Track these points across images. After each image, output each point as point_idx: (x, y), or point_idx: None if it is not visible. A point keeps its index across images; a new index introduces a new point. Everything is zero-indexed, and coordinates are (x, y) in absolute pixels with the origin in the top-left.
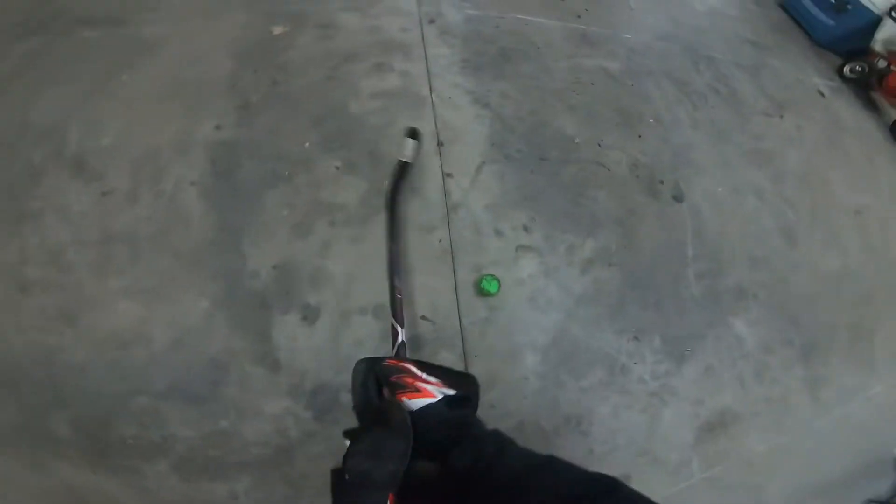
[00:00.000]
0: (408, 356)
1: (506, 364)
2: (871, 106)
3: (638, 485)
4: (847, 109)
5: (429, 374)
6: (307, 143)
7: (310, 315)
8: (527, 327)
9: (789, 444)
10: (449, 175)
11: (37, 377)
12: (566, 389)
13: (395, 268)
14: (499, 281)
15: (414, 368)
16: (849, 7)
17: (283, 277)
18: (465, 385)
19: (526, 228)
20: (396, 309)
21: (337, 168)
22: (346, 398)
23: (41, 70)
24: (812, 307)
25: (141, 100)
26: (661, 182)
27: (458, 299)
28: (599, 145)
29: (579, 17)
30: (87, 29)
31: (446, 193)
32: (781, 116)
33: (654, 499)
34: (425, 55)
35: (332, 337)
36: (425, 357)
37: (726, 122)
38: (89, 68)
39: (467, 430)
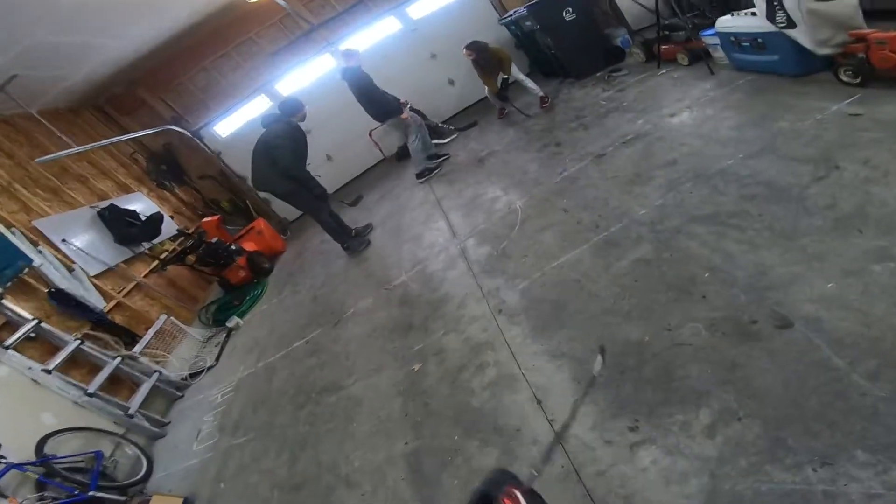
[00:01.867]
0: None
1: None
2: None
3: None
4: (886, 102)
5: None
6: (455, 437)
7: None
8: (671, 500)
9: None
10: (553, 420)
11: None
12: None
13: None
14: None
15: (522, 500)
16: (760, 41)
17: None
18: None
19: (632, 429)
20: None
21: (477, 445)
22: None
23: (317, 426)
24: None
25: (365, 436)
26: (754, 322)
27: (592, 499)
28: (668, 330)
29: (597, 227)
30: (327, 396)
31: (555, 433)
32: (837, 167)
33: None
34: (505, 342)
35: None
36: None
37: (784, 217)
38: (338, 422)
39: None
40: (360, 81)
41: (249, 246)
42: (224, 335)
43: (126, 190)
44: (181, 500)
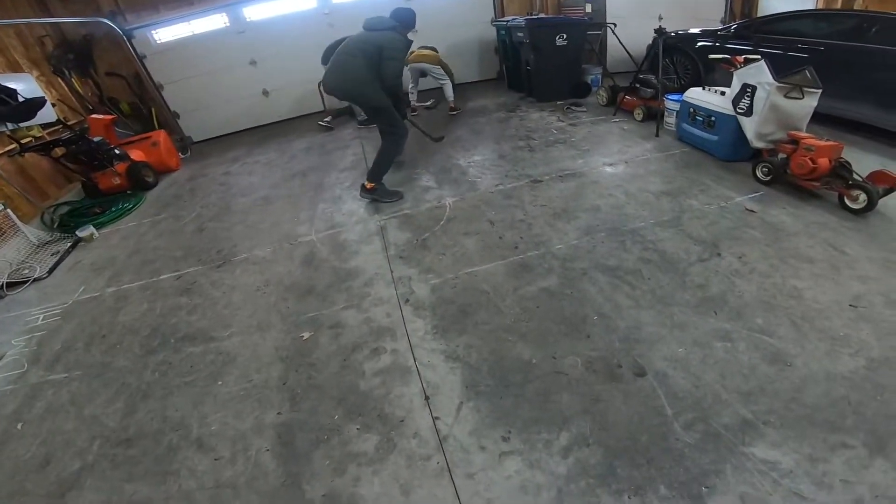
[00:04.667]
0: None
1: None
2: (806, 196)
3: None
4: (784, 212)
5: None
6: (336, 416)
7: None
8: None
9: None
10: (437, 418)
11: None
12: None
13: None
14: None
15: None
16: (713, 119)
17: (329, 502)
18: None
19: (505, 439)
20: None
21: (358, 429)
22: None
23: (169, 378)
24: (851, 408)
25: (232, 399)
26: (619, 366)
27: (459, 499)
28: (554, 358)
29: (516, 247)
30: (190, 345)
31: (437, 431)
32: (719, 254)
33: None
34: (406, 332)
35: None
36: None
37: (665, 286)
38: (199, 377)
39: None
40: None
41: (137, 155)
42: (69, 245)
43: (15, 69)
44: None
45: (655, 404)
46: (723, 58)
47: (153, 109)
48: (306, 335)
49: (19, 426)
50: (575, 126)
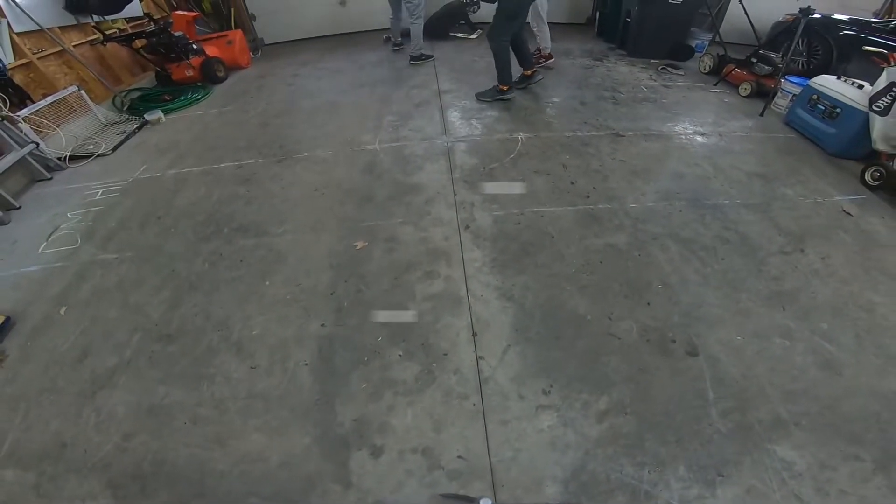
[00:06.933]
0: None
1: (528, 492)
2: None
3: None
4: (882, 222)
5: None
6: (379, 338)
7: (376, 452)
8: (547, 464)
9: None
10: (481, 357)
11: (190, 477)
12: None
13: None
14: None
15: None
16: (838, 111)
17: (360, 427)
18: None
19: (545, 392)
20: None
21: (400, 355)
22: None
23: (218, 270)
24: (878, 425)
25: (278, 303)
26: (673, 341)
27: (488, 444)
28: (609, 318)
29: (587, 196)
30: (243, 237)
31: (479, 371)
32: (802, 250)
33: None
34: (462, 260)
35: (391, 468)
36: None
37: (739, 270)
38: (248, 273)
39: None
40: None
41: (212, 51)
42: (135, 127)
43: None
44: (2, 319)
45: (699, 386)
46: (878, 52)
47: (232, 10)
48: (360, 244)
49: (62, 311)
50: (668, 88)
